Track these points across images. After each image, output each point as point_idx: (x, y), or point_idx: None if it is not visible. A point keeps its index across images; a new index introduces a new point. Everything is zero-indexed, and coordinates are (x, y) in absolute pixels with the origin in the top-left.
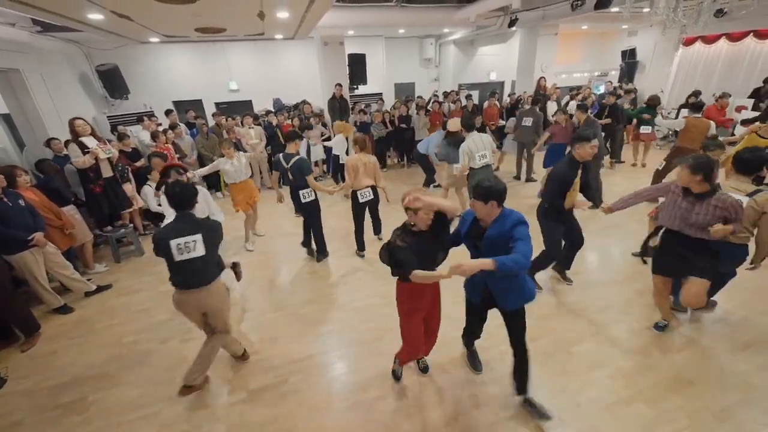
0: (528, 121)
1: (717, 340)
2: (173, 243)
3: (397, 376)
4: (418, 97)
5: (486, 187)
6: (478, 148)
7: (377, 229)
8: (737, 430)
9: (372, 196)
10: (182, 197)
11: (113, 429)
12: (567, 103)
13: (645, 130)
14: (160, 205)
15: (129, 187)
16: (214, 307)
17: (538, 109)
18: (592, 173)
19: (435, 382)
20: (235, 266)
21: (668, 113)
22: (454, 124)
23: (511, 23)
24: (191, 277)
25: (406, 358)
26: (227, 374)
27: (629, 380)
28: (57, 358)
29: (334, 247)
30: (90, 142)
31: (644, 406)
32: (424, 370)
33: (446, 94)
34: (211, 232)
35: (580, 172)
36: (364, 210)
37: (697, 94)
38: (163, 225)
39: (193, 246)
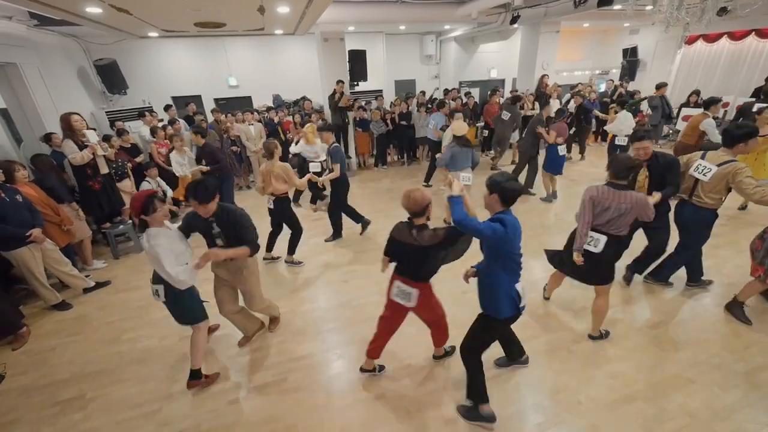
0: (506, 115)
1: (718, 339)
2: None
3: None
4: (420, 92)
5: (496, 182)
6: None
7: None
8: (737, 429)
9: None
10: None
11: (113, 427)
12: (568, 101)
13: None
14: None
15: (128, 184)
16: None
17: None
18: None
19: (436, 380)
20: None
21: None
22: (461, 127)
23: (513, 20)
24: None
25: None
26: (227, 372)
27: (630, 378)
28: (55, 355)
29: (334, 246)
30: (92, 136)
31: (644, 404)
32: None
33: (447, 92)
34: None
35: (646, 171)
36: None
37: (697, 92)
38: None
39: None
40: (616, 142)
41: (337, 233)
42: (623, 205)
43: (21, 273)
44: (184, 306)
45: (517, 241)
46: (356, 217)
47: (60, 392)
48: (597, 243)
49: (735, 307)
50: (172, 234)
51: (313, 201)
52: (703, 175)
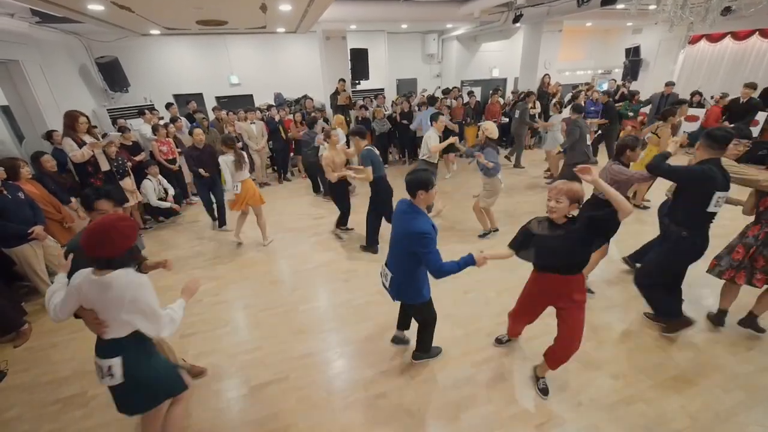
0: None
1: (720, 340)
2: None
3: (499, 341)
4: (423, 90)
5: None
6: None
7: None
8: (739, 431)
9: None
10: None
11: (114, 424)
12: (570, 101)
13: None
14: (160, 199)
15: (129, 182)
16: None
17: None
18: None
19: (437, 380)
20: None
21: None
22: (493, 129)
23: (516, 19)
24: None
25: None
26: (229, 370)
27: (630, 380)
28: (57, 352)
29: (335, 245)
30: (89, 140)
31: (645, 405)
32: (543, 392)
33: (448, 91)
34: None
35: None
36: None
37: (699, 94)
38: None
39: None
40: None
41: (370, 242)
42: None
43: (23, 270)
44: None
45: None
46: (372, 236)
47: (61, 389)
48: None
49: (750, 321)
50: None
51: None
52: None
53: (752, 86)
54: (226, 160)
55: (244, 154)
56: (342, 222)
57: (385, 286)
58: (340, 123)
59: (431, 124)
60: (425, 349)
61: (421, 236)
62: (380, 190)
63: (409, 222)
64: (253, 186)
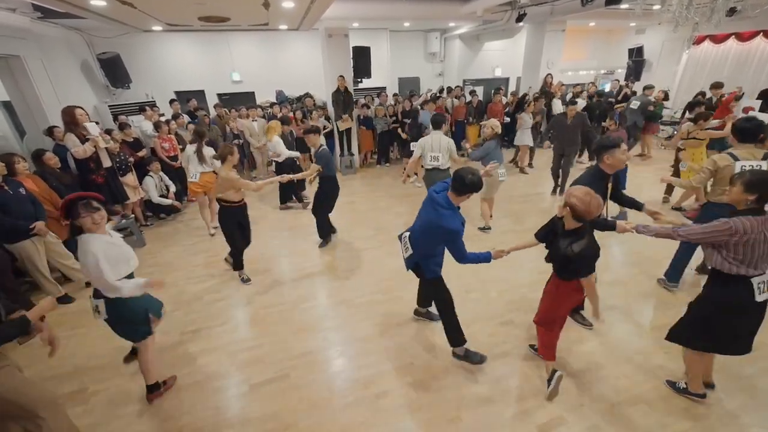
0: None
1: None
2: None
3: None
4: (428, 90)
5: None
6: (432, 148)
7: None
8: None
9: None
10: None
11: (114, 420)
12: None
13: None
14: (162, 196)
15: (131, 178)
16: None
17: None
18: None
19: (438, 379)
20: None
21: (674, 113)
22: (497, 124)
23: (519, 18)
24: None
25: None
26: (229, 368)
27: (633, 381)
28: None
29: (336, 243)
30: (93, 128)
31: (647, 407)
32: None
33: (449, 89)
34: None
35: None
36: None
37: (703, 94)
38: None
39: None
40: None
41: (323, 238)
42: None
43: (24, 266)
44: (123, 319)
45: None
46: (324, 230)
47: (62, 385)
48: None
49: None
50: (109, 240)
51: (282, 201)
52: None
53: (719, 86)
54: (188, 151)
55: (211, 149)
56: (237, 262)
57: (402, 254)
58: (274, 128)
59: (438, 129)
60: (456, 341)
61: (452, 233)
62: (328, 190)
63: (442, 216)
64: (214, 179)
